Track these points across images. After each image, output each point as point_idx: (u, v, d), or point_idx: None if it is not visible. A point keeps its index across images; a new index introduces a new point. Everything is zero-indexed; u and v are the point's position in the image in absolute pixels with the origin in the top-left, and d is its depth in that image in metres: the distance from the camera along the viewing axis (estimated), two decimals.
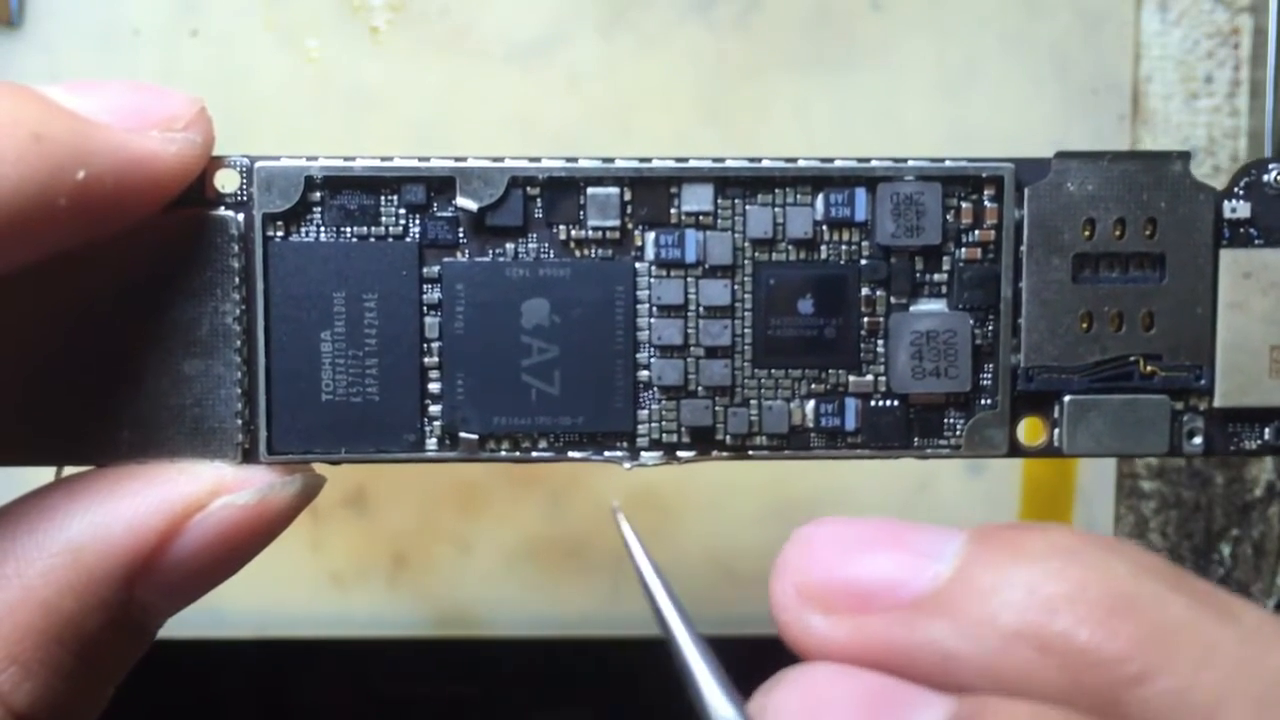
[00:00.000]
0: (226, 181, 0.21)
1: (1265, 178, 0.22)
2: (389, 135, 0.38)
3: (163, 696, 0.37)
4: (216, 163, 0.21)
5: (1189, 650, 0.15)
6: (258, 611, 0.39)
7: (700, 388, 0.22)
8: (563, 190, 0.22)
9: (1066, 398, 0.22)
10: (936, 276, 0.22)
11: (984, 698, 0.15)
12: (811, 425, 0.22)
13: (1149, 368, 0.22)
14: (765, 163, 0.21)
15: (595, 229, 0.22)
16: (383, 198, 0.21)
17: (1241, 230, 0.22)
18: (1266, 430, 0.22)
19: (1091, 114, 0.39)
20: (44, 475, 0.21)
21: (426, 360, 0.22)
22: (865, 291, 0.22)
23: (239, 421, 0.21)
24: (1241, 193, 0.22)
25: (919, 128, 0.39)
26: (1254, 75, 0.39)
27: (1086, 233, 0.22)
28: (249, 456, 0.21)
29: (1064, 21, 0.39)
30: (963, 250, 0.22)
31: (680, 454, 0.22)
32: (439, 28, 0.38)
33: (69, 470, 0.21)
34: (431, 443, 0.22)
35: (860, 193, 0.22)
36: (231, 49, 0.37)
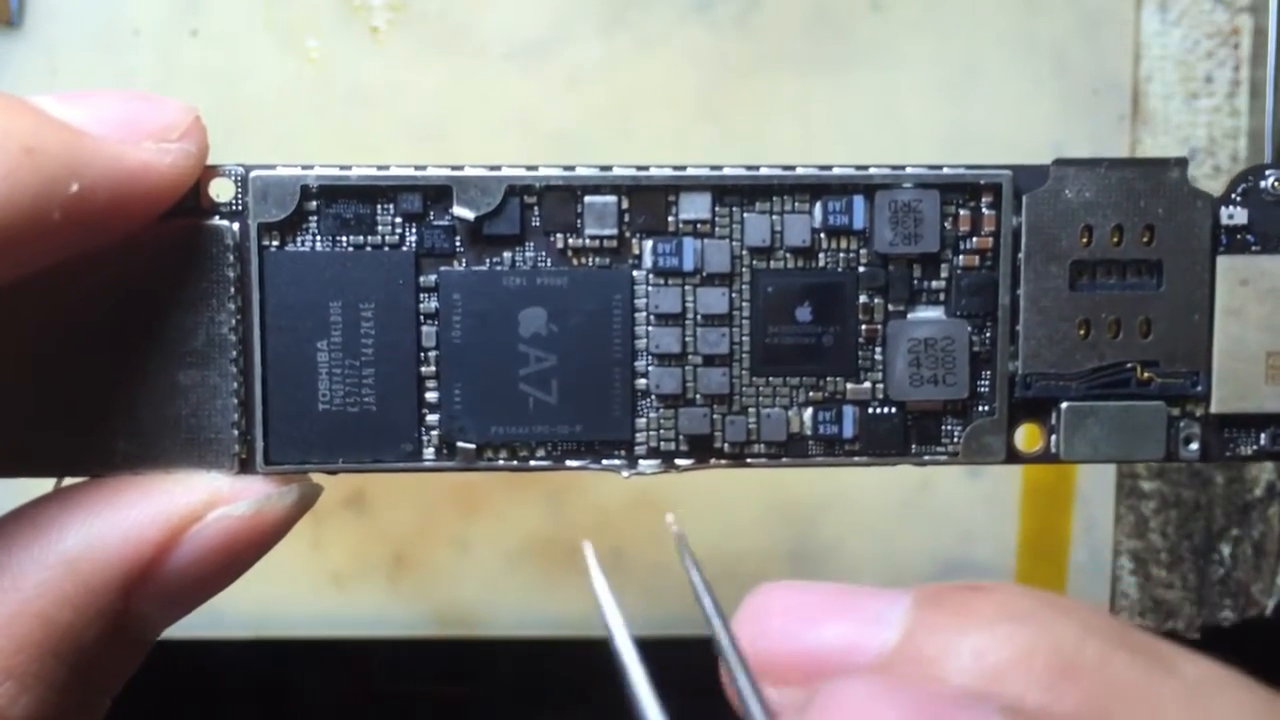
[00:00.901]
0: (221, 191, 0.21)
1: (1262, 184, 0.22)
2: (389, 135, 0.38)
3: (163, 696, 0.37)
4: (211, 171, 0.21)
5: (1135, 709, 0.15)
6: (258, 611, 0.39)
7: (698, 396, 0.22)
8: (560, 198, 0.21)
9: (1064, 404, 0.22)
10: (934, 284, 0.22)
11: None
12: (810, 433, 0.22)
13: (1146, 374, 0.22)
14: (763, 171, 0.21)
15: (593, 237, 0.22)
16: (379, 206, 0.21)
17: (1239, 237, 0.22)
18: (1263, 436, 0.22)
19: (1091, 114, 0.39)
20: (40, 486, 0.21)
21: (424, 369, 0.22)
22: (863, 299, 0.22)
23: (235, 432, 0.21)
24: (1239, 199, 0.22)
25: (919, 128, 0.39)
26: (1254, 75, 0.39)
27: (1084, 239, 0.22)
28: (246, 467, 0.21)
29: (1064, 21, 0.39)
30: (960, 257, 0.22)
31: (678, 462, 0.22)
32: (439, 28, 0.38)
33: (65, 481, 0.21)
34: (429, 452, 0.22)
35: (858, 200, 0.22)
36: (231, 49, 0.37)
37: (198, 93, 0.37)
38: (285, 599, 0.39)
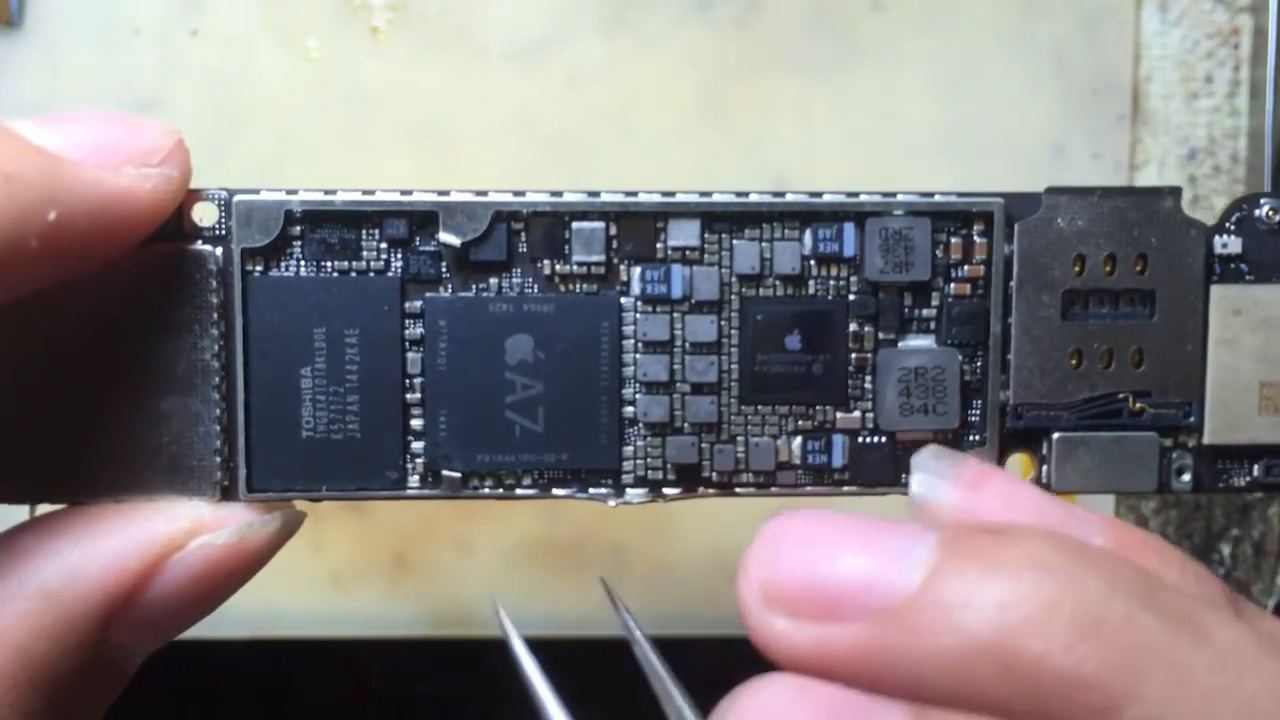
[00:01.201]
0: (204, 215, 0.21)
1: (1257, 213, 0.22)
2: (389, 135, 0.38)
3: (163, 696, 0.37)
4: (194, 196, 0.21)
5: (1160, 677, 0.15)
6: (258, 611, 0.39)
7: (686, 424, 0.22)
8: (547, 225, 0.21)
9: (1055, 435, 0.22)
10: (925, 312, 0.22)
11: (941, 714, 0.15)
12: (798, 462, 0.22)
13: (1138, 405, 0.22)
14: (753, 197, 0.21)
15: (580, 264, 0.21)
16: (364, 232, 0.21)
17: (1232, 266, 0.22)
18: (1256, 467, 0.22)
19: (1091, 114, 0.39)
20: (17, 514, 0.21)
21: (409, 397, 0.21)
22: (853, 327, 0.22)
23: (218, 459, 0.21)
24: (1233, 228, 0.22)
25: (919, 128, 0.38)
26: (1254, 75, 0.38)
27: (1076, 269, 0.21)
28: (228, 494, 0.21)
29: (1064, 21, 0.38)
30: (952, 286, 0.22)
31: (666, 491, 0.22)
32: (439, 28, 0.38)
33: (42, 509, 0.21)
34: (414, 480, 0.22)
35: (849, 228, 0.21)
36: (231, 49, 0.37)
37: (198, 93, 0.37)
38: (285, 599, 0.39)
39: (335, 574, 0.39)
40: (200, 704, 0.44)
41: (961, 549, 0.16)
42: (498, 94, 0.38)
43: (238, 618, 0.39)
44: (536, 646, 0.41)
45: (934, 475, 0.19)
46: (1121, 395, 0.22)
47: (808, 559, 0.17)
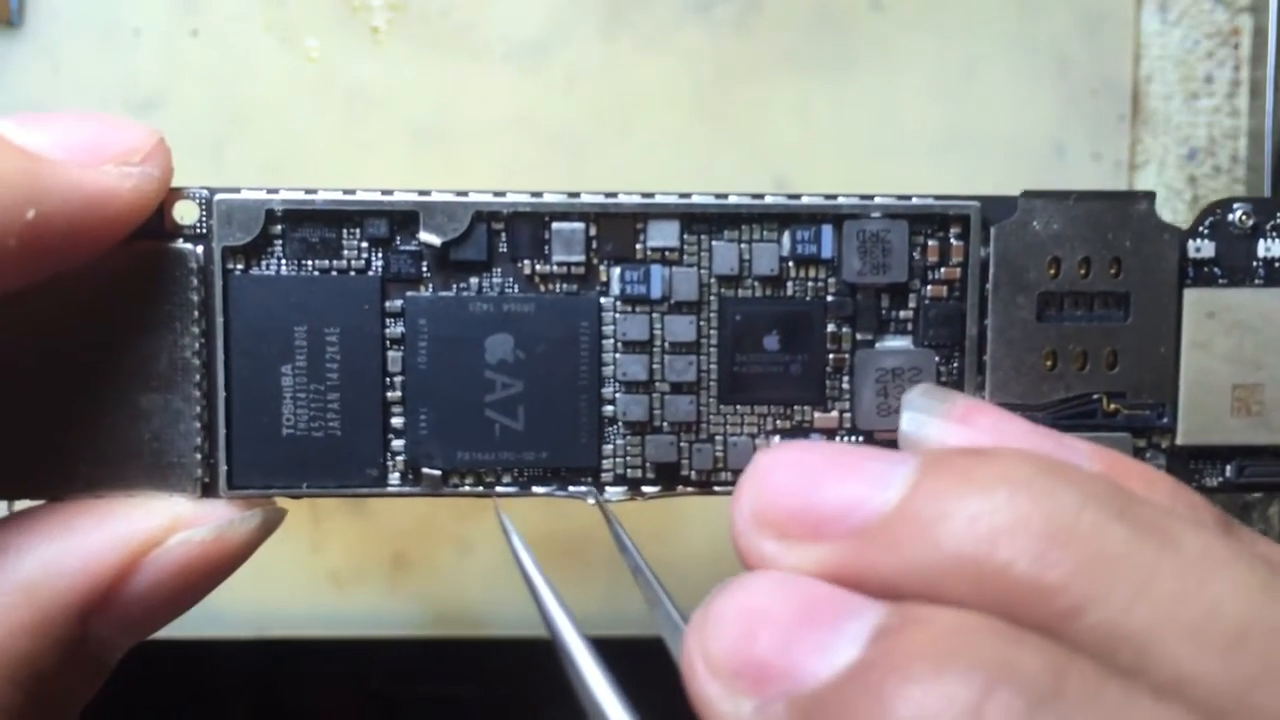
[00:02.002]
0: (185, 213, 0.21)
1: (1230, 217, 0.22)
2: (389, 135, 0.38)
3: (162, 696, 0.37)
4: (175, 194, 0.21)
5: (1125, 582, 0.15)
6: (256, 611, 0.39)
7: (665, 424, 0.22)
8: (528, 225, 0.21)
9: None
10: (902, 313, 0.22)
11: (913, 604, 0.15)
12: None
13: (1112, 406, 0.22)
14: (732, 199, 0.21)
15: (560, 264, 0.21)
16: (345, 231, 0.21)
17: (1205, 270, 0.22)
18: (1228, 468, 0.22)
19: (1091, 114, 0.39)
20: None
21: (389, 395, 0.21)
22: (831, 328, 0.22)
23: (198, 456, 0.21)
24: (1206, 232, 0.22)
25: (919, 128, 0.39)
26: (1254, 75, 0.39)
27: (1052, 271, 0.22)
28: (208, 491, 0.21)
29: (1064, 21, 0.39)
30: (929, 288, 0.22)
31: (645, 489, 0.22)
32: (439, 28, 0.38)
33: (20, 504, 0.21)
34: (394, 477, 0.22)
35: (827, 230, 0.21)
36: (231, 49, 0.37)
37: (198, 93, 0.37)
38: (283, 599, 0.39)
39: (334, 574, 0.39)
40: (199, 704, 0.44)
41: (940, 468, 0.17)
42: (497, 94, 0.38)
43: (237, 618, 0.39)
44: (536, 646, 0.41)
45: (923, 412, 0.19)
46: (1096, 396, 0.22)
47: (796, 484, 0.17)
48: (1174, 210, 0.39)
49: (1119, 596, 0.15)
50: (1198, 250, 0.22)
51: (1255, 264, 0.22)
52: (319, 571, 0.39)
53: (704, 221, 0.21)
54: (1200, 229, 0.22)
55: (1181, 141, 0.39)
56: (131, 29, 0.37)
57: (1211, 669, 0.14)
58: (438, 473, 0.22)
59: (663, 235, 0.21)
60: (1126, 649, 0.15)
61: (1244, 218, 0.22)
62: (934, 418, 0.19)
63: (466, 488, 0.22)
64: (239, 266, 0.21)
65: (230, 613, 0.38)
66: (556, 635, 0.18)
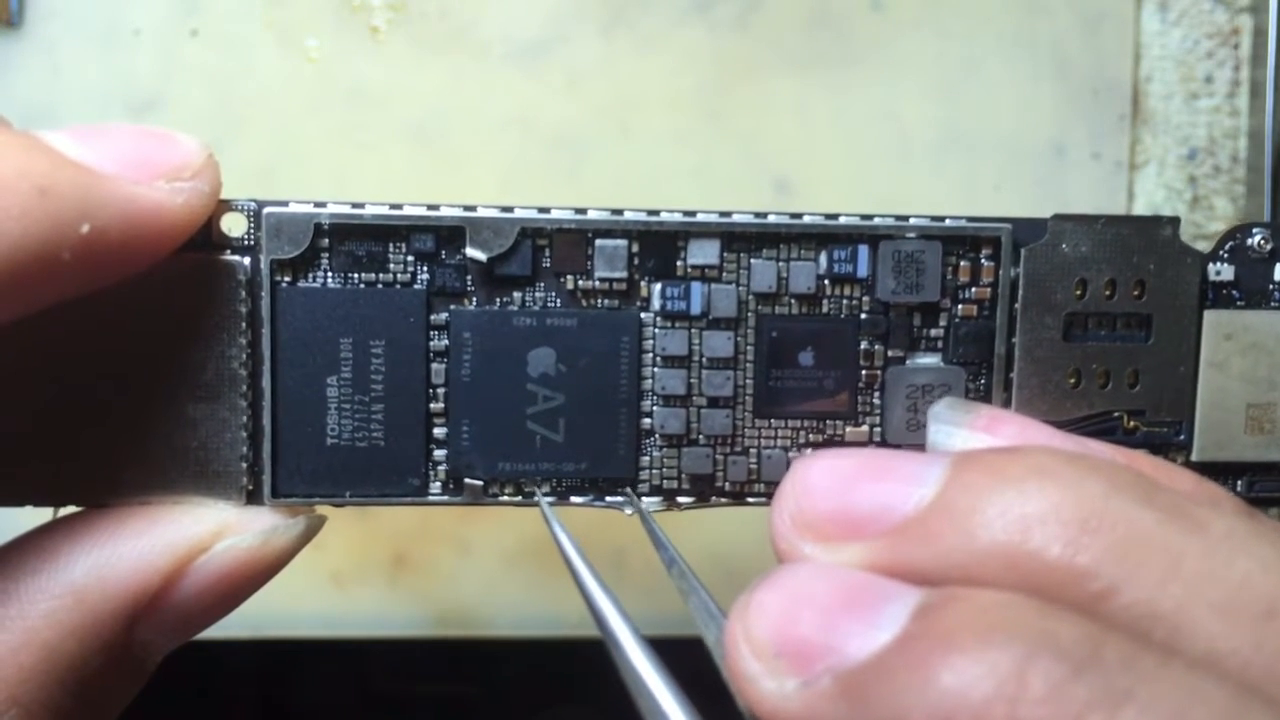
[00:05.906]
0: (233, 225, 0.21)
1: (1249, 241, 0.23)
2: (389, 135, 0.38)
3: (163, 696, 0.37)
4: (223, 206, 0.21)
5: (1155, 564, 0.16)
6: (258, 611, 0.39)
7: (701, 436, 0.22)
8: (571, 241, 0.22)
9: None
10: (933, 331, 0.22)
11: (953, 587, 0.16)
12: None
13: (1132, 423, 0.23)
14: (771, 219, 0.22)
15: (602, 280, 0.22)
16: (391, 245, 0.21)
17: (1225, 292, 0.23)
18: (1239, 483, 0.23)
19: (1091, 114, 0.39)
20: (43, 515, 0.21)
21: (432, 406, 0.22)
22: (864, 345, 0.22)
23: (244, 464, 0.21)
24: (1226, 256, 0.23)
25: (919, 127, 0.39)
26: (1254, 75, 0.39)
27: (1078, 292, 0.22)
28: (252, 498, 0.22)
29: (1064, 21, 0.39)
30: (960, 307, 0.22)
31: (680, 500, 0.23)
32: (439, 28, 0.38)
33: (65, 510, 0.21)
34: (436, 487, 0.22)
35: (863, 250, 0.22)
36: (231, 49, 0.37)
37: (198, 93, 0.37)
38: (285, 598, 0.39)
39: (336, 574, 0.39)
40: (200, 704, 0.44)
41: (971, 464, 0.17)
42: (497, 94, 0.38)
43: (238, 618, 0.39)
44: (537, 646, 0.42)
45: (949, 424, 0.20)
46: (1117, 414, 0.23)
47: (833, 488, 0.18)
48: (1174, 210, 0.39)
49: (1150, 577, 0.16)
50: (1218, 273, 0.23)
51: (1271, 287, 0.23)
52: (320, 572, 0.39)
53: (743, 240, 0.22)
54: (1220, 252, 0.23)
55: (1181, 141, 0.40)
56: (131, 29, 0.37)
57: (1243, 643, 0.15)
58: (479, 483, 0.22)
59: (703, 253, 0.22)
60: (1160, 627, 0.15)
61: (1262, 242, 0.23)
62: (960, 428, 0.20)
63: (506, 497, 0.22)
64: (287, 279, 0.21)
65: (232, 613, 0.39)
66: (604, 625, 0.18)
